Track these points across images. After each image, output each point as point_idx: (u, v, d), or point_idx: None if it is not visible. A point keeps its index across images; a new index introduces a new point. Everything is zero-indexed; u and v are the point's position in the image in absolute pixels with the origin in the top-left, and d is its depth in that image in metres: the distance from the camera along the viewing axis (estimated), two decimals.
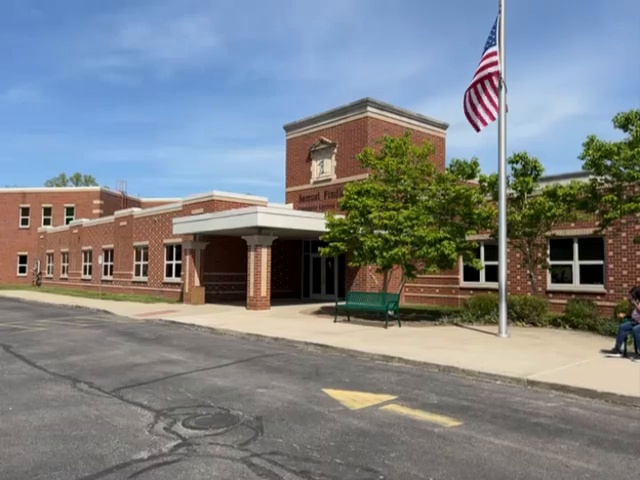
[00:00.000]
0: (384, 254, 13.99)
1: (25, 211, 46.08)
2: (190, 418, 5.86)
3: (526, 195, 14.80)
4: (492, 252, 19.56)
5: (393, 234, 13.97)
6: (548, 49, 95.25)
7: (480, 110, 11.99)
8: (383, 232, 14.71)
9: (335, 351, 10.35)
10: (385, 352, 9.64)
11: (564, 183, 14.79)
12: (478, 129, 12.14)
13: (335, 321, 14.68)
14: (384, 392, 7.05)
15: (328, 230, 16.29)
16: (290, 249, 25.86)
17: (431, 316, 16.37)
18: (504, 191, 12.12)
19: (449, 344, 10.76)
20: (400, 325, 13.68)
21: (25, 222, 45.90)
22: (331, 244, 15.76)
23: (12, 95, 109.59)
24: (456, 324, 14.12)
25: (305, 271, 26.21)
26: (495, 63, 11.62)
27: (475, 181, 16.16)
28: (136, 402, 6.59)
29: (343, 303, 15.01)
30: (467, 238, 15.19)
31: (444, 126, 25.68)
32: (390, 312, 15.31)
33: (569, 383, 7.10)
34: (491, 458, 4.62)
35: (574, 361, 8.85)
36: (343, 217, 16.36)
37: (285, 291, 25.42)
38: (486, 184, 15.06)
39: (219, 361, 9.50)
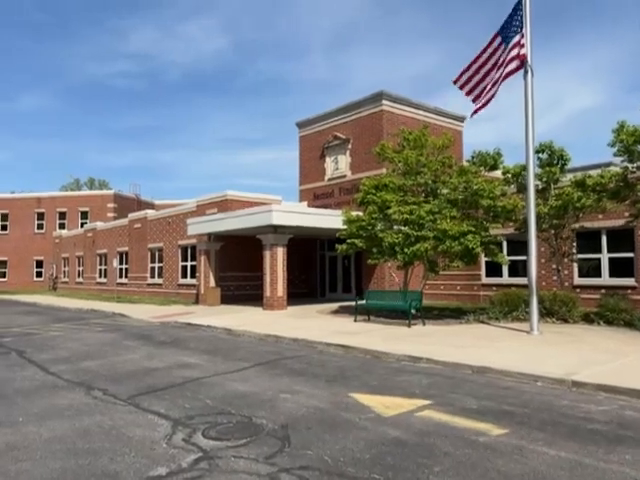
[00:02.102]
0: (405, 250, 13.46)
1: (40, 216, 46.35)
2: (210, 428, 5.43)
3: (552, 186, 14.16)
4: (515, 247, 18.92)
5: (414, 229, 13.43)
6: (552, 43, 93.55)
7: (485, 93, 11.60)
8: (403, 228, 14.19)
9: (358, 352, 9.86)
10: (412, 352, 9.13)
11: (591, 173, 14.15)
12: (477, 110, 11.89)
13: (355, 320, 14.19)
14: (417, 396, 6.56)
15: (345, 227, 15.81)
16: (305, 248, 25.40)
17: (454, 314, 15.80)
18: (532, 180, 11.51)
19: (478, 343, 10.21)
20: (424, 324, 13.14)
21: (40, 227, 46.16)
22: (348, 241, 15.28)
23: (23, 102, 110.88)
24: (482, 322, 13.54)
25: (321, 270, 25.76)
26: (521, 46, 11.04)
27: (497, 174, 15.58)
28: (153, 410, 6.19)
29: (363, 302, 14.52)
30: (490, 232, 14.58)
31: (461, 119, 25.02)
32: (412, 310, 14.81)
33: (618, 384, 6.54)
34: (550, 473, 4.10)
35: (617, 359, 8.26)
36: (360, 213, 15.88)
37: (301, 291, 24.97)
38: (510, 175, 14.45)
39: (238, 364, 9.08)
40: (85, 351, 10.92)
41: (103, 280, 34.89)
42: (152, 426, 5.54)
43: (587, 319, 12.96)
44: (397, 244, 13.60)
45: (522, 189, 15.02)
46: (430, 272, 14.61)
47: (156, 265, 28.73)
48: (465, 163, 14.91)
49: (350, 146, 23.32)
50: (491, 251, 14.13)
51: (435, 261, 14.57)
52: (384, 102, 21.98)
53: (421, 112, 23.21)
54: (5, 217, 46.53)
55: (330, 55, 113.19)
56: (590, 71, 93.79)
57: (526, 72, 11.11)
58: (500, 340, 10.54)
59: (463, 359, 8.40)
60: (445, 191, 14.44)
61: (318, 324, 13.99)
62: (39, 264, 45.75)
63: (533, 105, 11.15)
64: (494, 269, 20.19)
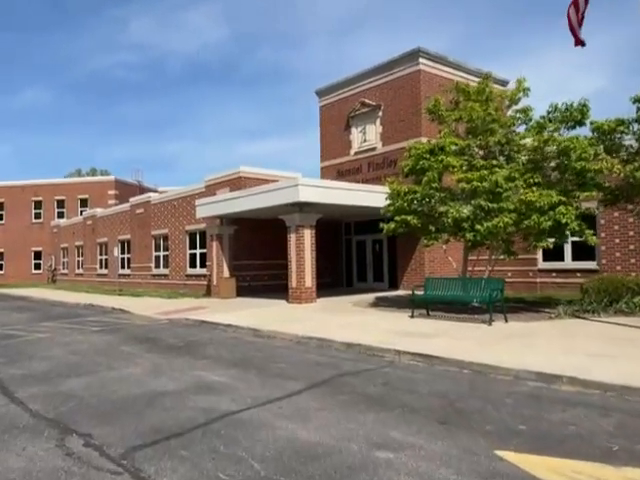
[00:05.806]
0: (477, 227, 10.61)
1: (38, 204, 43.63)
2: None
3: None
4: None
5: (489, 200, 10.55)
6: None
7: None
8: (465, 200, 11.37)
9: (448, 364, 7.04)
10: (534, 366, 6.32)
11: None
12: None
13: (412, 316, 11.36)
14: (622, 460, 3.75)
15: (389, 202, 12.97)
16: (328, 232, 22.47)
17: (522, 305, 13.07)
18: None
19: (613, 349, 7.34)
20: (506, 320, 10.30)
21: (38, 216, 43.47)
22: (397, 218, 12.40)
23: (24, 96, 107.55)
24: (577, 316, 10.68)
25: (347, 257, 22.90)
26: None
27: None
28: None
29: (420, 293, 11.70)
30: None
31: (504, 82, 21.92)
32: (475, 303, 12.10)
33: None
34: None
35: None
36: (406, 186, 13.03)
37: (325, 280, 22.05)
38: (600, 133, 11.53)
39: (283, 385, 6.33)
40: (71, 362, 8.25)
41: (104, 271, 32.20)
42: None
43: None
44: (465, 219, 10.74)
45: (612, 150, 12.16)
46: (506, 254, 11.75)
47: (161, 254, 25.98)
48: (541, 119, 11.93)
49: (381, 114, 20.31)
50: (580, 227, 11.23)
51: (512, 240, 11.72)
52: (421, 61, 18.95)
53: (462, 74, 20.14)
54: (0, 206, 43.88)
55: (336, 41, 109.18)
56: (593, 55, 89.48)
57: None
58: (636, 343, 7.70)
59: (628, 379, 5.58)
60: (520, 155, 11.51)
61: (366, 321, 11.21)
62: (37, 255, 43.10)
63: None
64: (553, 252, 17.19)
